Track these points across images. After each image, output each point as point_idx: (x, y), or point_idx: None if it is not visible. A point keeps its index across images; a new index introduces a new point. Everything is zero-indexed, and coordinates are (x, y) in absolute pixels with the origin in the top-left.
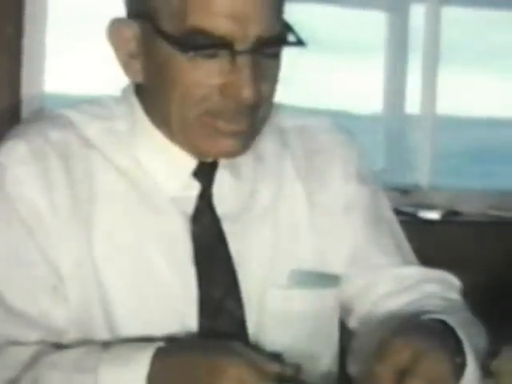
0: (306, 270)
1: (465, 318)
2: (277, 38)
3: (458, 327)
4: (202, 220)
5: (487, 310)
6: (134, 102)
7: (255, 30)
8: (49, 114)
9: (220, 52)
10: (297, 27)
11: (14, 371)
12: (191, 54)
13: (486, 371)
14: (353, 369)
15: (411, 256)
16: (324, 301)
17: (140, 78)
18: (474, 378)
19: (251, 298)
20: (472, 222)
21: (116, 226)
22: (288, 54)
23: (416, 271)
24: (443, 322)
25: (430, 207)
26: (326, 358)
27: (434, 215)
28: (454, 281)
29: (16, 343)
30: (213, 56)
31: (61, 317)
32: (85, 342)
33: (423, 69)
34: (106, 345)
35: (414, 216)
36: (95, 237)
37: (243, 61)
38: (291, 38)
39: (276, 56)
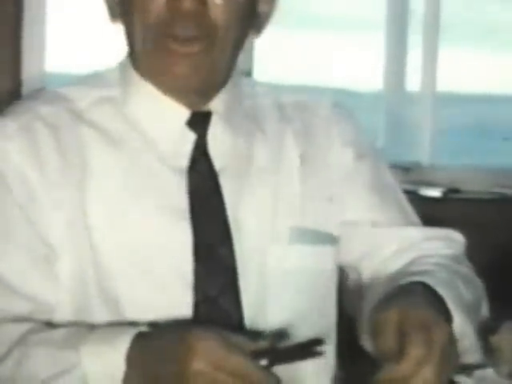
0: (306, 229)
1: (454, 273)
2: None
3: (440, 285)
4: (198, 170)
5: (488, 288)
6: (127, 64)
7: None
8: (42, 92)
9: None
10: (296, 5)
11: (3, 348)
12: None
13: (486, 347)
14: (365, 340)
15: (415, 218)
16: (322, 259)
17: (120, 21)
18: (464, 330)
19: (251, 256)
20: (473, 200)
21: (110, 192)
22: (287, 32)
23: (418, 231)
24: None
25: (431, 185)
26: (323, 319)
27: (434, 193)
28: (458, 237)
29: (12, 320)
30: None
31: (50, 291)
32: (74, 323)
33: (423, 45)
34: (93, 326)
35: (415, 194)
36: (89, 203)
37: None
38: None
39: None
